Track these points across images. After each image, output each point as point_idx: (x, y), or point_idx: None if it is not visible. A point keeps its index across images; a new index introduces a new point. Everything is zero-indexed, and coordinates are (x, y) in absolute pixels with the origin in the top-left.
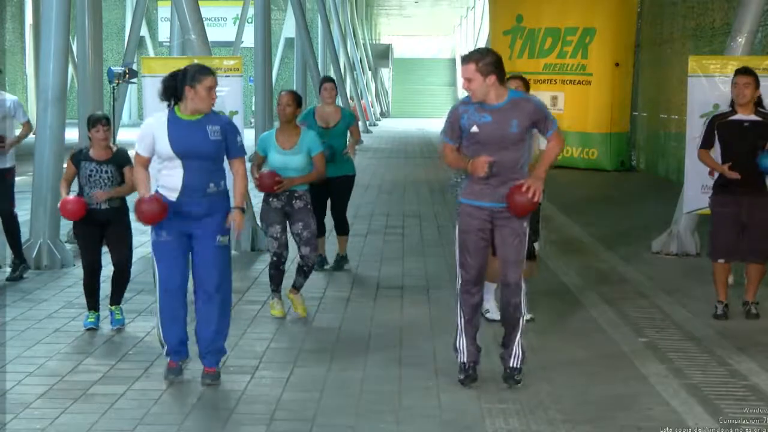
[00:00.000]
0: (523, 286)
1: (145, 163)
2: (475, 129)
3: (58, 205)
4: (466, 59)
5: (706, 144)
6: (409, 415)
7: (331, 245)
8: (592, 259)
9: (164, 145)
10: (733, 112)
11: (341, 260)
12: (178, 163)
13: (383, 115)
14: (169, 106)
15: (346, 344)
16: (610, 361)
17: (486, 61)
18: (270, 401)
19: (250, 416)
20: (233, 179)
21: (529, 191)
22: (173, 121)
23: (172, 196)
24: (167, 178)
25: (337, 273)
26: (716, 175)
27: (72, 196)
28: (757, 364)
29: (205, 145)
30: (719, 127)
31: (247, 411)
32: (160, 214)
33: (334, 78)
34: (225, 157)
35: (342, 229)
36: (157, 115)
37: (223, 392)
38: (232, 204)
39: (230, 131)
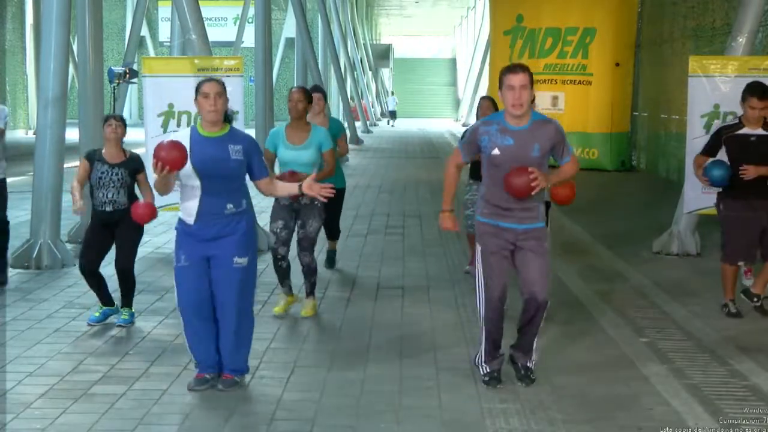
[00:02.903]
0: (543, 302)
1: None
2: (496, 152)
3: (132, 211)
4: (520, 68)
5: (707, 152)
6: (409, 415)
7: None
8: (593, 260)
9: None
10: (741, 125)
11: (332, 255)
12: (196, 183)
13: (383, 115)
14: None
15: (346, 344)
16: (610, 362)
17: (531, 76)
18: (270, 401)
19: (250, 416)
20: (269, 189)
21: (532, 174)
22: (196, 138)
23: (189, 219)
24: (186, 202)
25: (336, 273)
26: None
27: (141, 201)
28: (758, 364)
29: (227, 164)
30: (727, 140)
31: (247, 411)
32: (181, 159)
33: (323, 88)
34: (247, 176)
35: (333, 235)
36: (181, 132)
37: (224, 392)
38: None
39: (253, 151)
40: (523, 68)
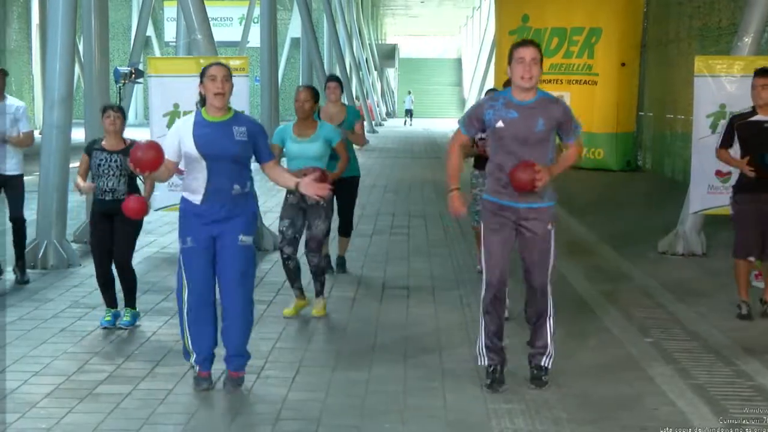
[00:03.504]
0: (549, 289)
1: (168, 166)
2: (500, 124)
3: (122, 205)
4: (531, 42)
5: (725, 143)
6: (414, 416)
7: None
8: (598, 260)
9: (190, 146)
10: (753, 113)
11: (342, 263)
12: (203, 165)
13: (389, 115)
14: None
15: (351, 344)
16: (615, 362)
17: (541, 53)
18: (275, 401)
19: (255, 416)
20: (273, 173)
21: (536, 172)
22: (199, 123)
23: (196, 199)
24: (191, 182)
25: (342, 273)
26: (734, 174)
27: (135, 195)
28: (763, 364)
29: (230, 146)
30: (739, 127)
31: (252, 411)
32: (157, 160)
33: (339, 77)
34: (252, 160)
35: (346, 230)
36: (185, 118)
37: (231, 392)
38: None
39: (259, 134)
40: (534, 43)
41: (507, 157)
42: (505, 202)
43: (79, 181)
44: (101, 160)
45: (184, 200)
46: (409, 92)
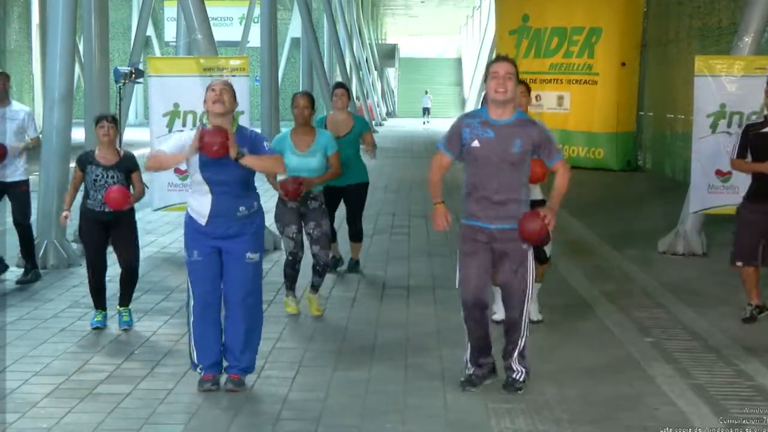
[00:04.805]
0: (526, 313)
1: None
2: (476, 144)
3: (103, 196)
4: (505, 59)
5: (741, 153)
6: (414, 415)
7: (344, 247)
8: (599, 260)
9: (194, 168)
10: (765, 123)
11: (355, 265)
12: (206, 188)
13: (389, 114)
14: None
15: (352, 344)
16: (616, 362)
17: (517, 70)
18: (276, 401)
19: (255, 416)
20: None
21: (545, 218)
22: None
23: (201, 220)
24: (196, 203)
25: (342, 273)
26: (737, 175)
27: (115, 186)
28: (764, 364)
29: (234, 170)
30: (753, 138)
31: (253, 410)
32: (224, 144)
33: (345, 82)
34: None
35: (357, 236)
36: (189, 133)
37: (231, 392)
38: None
39: (257, 144)
40: (508, 60)
41: (481, 178)
42: (478, 223)
43: (66, 203)
44: (97, 175)
45: (189, 216)
46: (426, 92)
